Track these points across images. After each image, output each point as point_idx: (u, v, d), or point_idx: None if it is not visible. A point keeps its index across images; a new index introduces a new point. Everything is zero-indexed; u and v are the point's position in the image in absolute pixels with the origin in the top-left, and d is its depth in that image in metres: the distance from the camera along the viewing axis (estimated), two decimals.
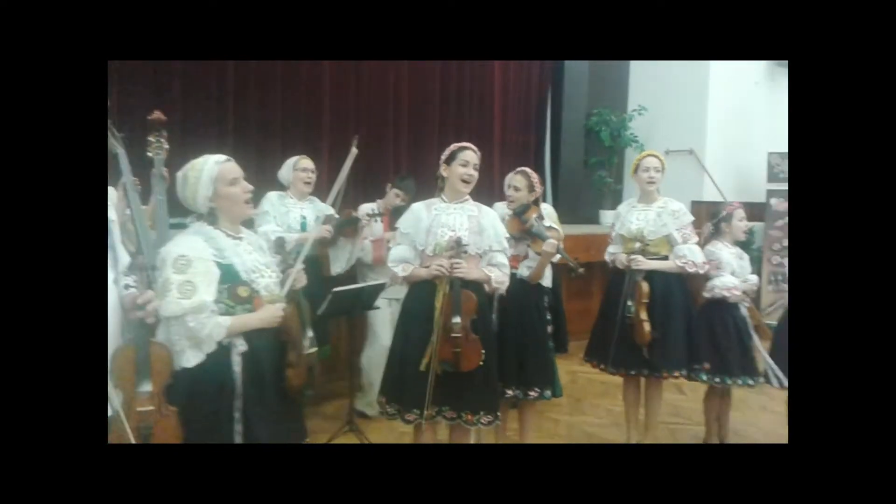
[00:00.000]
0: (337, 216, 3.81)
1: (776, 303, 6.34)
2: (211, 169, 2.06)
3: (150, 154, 2.60)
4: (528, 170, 3.33)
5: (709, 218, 3.70)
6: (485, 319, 2.76)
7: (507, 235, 2.88)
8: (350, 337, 3.95)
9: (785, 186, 6.46)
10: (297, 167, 3.84)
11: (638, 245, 3.41)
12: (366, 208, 3.89)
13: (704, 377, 3.44)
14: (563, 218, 4.09)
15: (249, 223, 2.88)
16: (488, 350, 2.68)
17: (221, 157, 2.11)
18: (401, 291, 3.03)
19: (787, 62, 2.07)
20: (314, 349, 2.23)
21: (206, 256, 2.00)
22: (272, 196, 3.78)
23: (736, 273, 3.52)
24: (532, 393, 3.16)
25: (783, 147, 6.39)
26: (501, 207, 3.31)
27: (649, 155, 3.54)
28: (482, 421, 2.68)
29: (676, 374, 3.39)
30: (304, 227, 3.75)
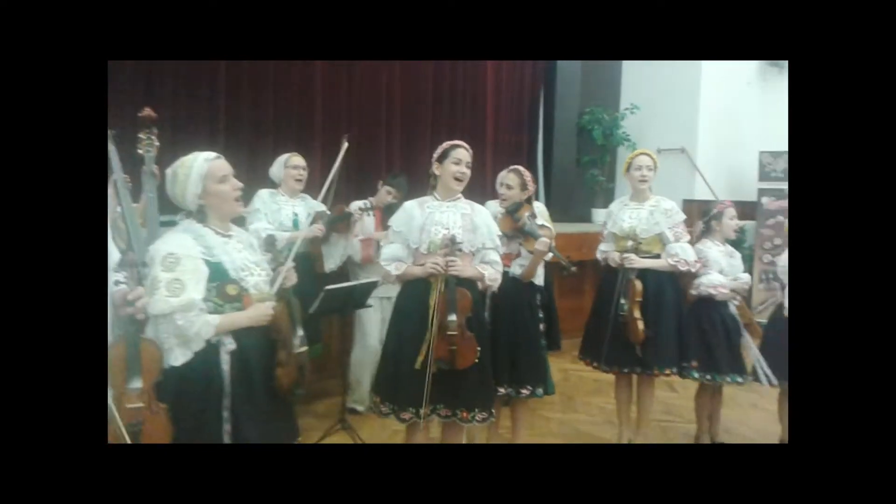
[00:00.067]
0: (328, 213, 3.80)
1: (767, 301, 6.37)
2: (200, 166, 2.05)
3: (140, 151, 2.59)
4: (520, 168, 3.33)
5: (700, 216, 3.71)
6: (479, 317, 2.76)
7: (500, 233, 2.88)
8: (342, 335, 3.94)
9: (776, 185, 6.50)
10: (289, 164, 3.83)
11: (630, 243, 3.41)
12: (358, 203, 3.88)
13: (695, 375, 3.46)
14: (556, 216, 4.10)
15: (241, 221, 2.87)
16: (482, 347, 2.68)
17: (211, 155, 2.10)
18: (391, 290, 3.03)
19: (778, 62, 2.08)
20: (304, 348, 2.21)
21: (194, 254, 1.98)
22: (263, 194, 3.76)
23: (725, 271, 3.52)
24: (524, 391, 3.17)
25: (775, 146, 6.43)
26: (494, 205, 3.31)
27: (642, 153, 3.54)
28: (477, 418, 2.68)
29: (668, 371, 3.40)
30: (295, 225, 3.74)
